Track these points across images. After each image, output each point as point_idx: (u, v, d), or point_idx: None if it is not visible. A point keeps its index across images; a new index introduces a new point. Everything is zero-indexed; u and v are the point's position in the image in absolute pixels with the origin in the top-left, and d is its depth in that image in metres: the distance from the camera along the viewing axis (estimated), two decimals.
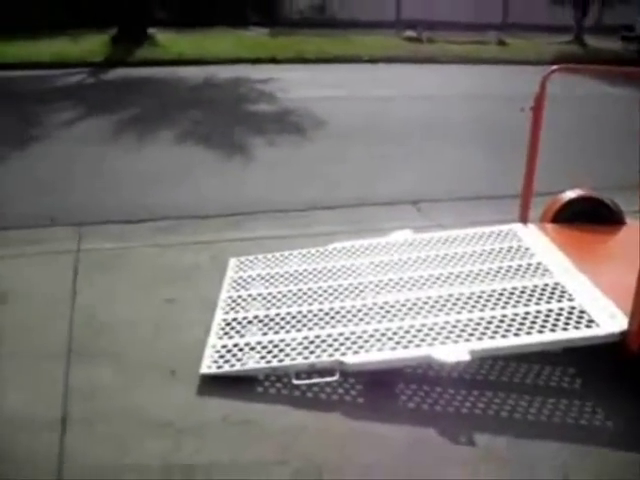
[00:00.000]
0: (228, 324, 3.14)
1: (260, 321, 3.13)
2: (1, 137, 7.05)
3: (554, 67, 3.67)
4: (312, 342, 2.91)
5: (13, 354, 2.99)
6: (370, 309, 3.14)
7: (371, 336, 2.91)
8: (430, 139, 7.36)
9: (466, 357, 2.73)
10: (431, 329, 2.92)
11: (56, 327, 3.19)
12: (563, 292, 3.13)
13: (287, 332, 3.01)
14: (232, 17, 18.26)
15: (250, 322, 3.13)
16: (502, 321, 2.93)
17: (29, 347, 3.05)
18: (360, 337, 2.91)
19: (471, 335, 2.85)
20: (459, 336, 2.85)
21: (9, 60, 11.89)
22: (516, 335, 2.83)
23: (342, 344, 2.87)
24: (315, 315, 3.13)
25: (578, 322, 2.89)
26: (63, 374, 2.85)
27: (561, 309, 2.99)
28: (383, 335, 2.91)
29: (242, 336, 3.03)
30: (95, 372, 2.86)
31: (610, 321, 2.86)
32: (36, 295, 3.50)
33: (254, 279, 3.57)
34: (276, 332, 3.02)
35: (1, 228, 4.44)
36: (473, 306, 3.08)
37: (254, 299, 3.35)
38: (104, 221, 4.66)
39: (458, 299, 3.16)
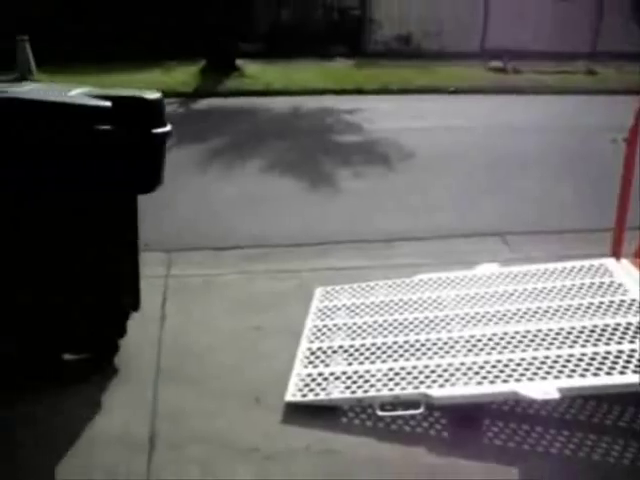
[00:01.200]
0: (313, 353, 3.17)
1: (345, 351, 3.14)
2: None
3: None
4: (397, 374, 2.90)
5: None
6: (456, 342, 3.11)
7: (457, 370, 2.88)
8: (517, 170, 7.25)
9: (555, 395, 2.66)
10: (518, 364, 2.86)
11: (145, 350, 3.29)
12: None
13: (372, 363, 3.01)
14: (317, 49, 18.55)
15: (335, 352, 3.15)
16: (593, 359, 2.84)
17: (119, 368, 3.15)
18: (446, 370, 2.88)
19: (560, 372, 2.78)
20: (547, 373, 2.79)
21: None
22: (608, 374, 2.74)
23: (427, 377, 2.85)
24: (400, 347, 3.12)
25: None
26: (152, 396, 2.93)
27: None
28: (469, 369, 2.87)
29: (327, 365, 3.05)
30: (182, 395, 2.93)
31: None
32: None
33: (339, 309, 3.59)
34: (361, 362, 3.03)
35: None
36: (562, 342, 3.01)
37: (339, 329, 3.37)
38: (194, 247, 4.78)
39: (547, 335, 3.09)
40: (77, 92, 3.02)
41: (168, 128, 3.00)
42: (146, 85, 12.92)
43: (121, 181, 2.91)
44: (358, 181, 6.93)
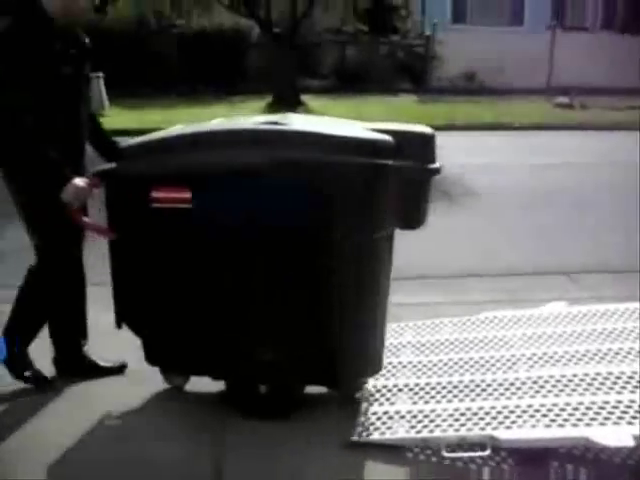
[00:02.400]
0: (378, 391, 3.16)
1: (410, 389, 3.12)
2: None
3: None
4: (463, 414, 2.86)
5: None
6: (523, 383, 3.06)
7: (524, 411, 2.83)
8: (585, 207, 7.14)
9: (630, 442, 2.57)
10: (589, 408, 2.79)
11: None
12: None
13: (438, 402, 2.98)
14: (382, 85, 18.70)
15: (400, 390, 3.13)
16: None
17: None
18: (513, 412, 2.83)
19: (634, 418, 2.70)
20: (620, 418, 2.71)
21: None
22: None
23: (494, 418, 2.80)
24: (466, 386, 3.08)
25: None
26: None
27: None
28: (537, 411, 2.82)
29: (392, 404, 3.03)
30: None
31: None
32: None
33: (405, 346, 3.58)
34: (426, 402, 3.00)
35: None
36: (635, 386, 2.93)
37: (404, 367, 3.35)
38: None
39: (618, 378, 3.01)
40: (352, 126, 3.10)
41: (438, 164, 3.04)
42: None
43: (400, 217, 2.97)
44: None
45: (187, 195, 2.82)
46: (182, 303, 2.99)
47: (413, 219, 3.05)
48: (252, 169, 2.76)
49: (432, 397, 3.03)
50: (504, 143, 11.71)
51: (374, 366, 3.12)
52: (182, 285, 2.97)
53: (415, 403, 3.00)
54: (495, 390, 3.02)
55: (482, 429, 2.74)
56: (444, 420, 2.83)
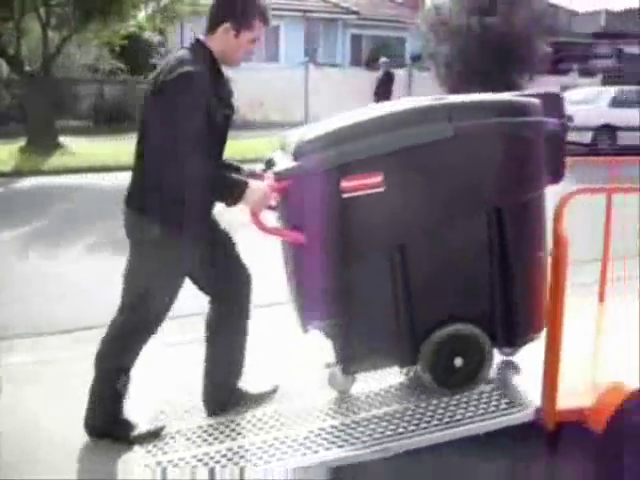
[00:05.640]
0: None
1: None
2: None
3: None
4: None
5: None
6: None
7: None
8: None
9: None
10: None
11: None
12: None
13: (210, 444, 2.97)
14: None
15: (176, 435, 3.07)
16: None
17: None
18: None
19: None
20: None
21: None
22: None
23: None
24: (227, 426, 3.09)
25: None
26: None
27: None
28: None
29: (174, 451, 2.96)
30: None
31: None
32: None
33: None
34: (199, 445, 2.97)
35: None
36: None
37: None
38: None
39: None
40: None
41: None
42: None
43: (549, 172, 3.18)
44: None
45: (378, 179, 2.88)
46: (378, 292, 3.03)
47: (557, 172, 3.22)
48: (433, 141, 2.93)
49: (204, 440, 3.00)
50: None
51: (540, 322, 3.17)
52: (379, 275, 3.01)
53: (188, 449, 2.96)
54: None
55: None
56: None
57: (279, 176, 2.93)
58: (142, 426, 3.13)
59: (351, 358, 3.16)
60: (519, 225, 3.14)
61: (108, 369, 3.11)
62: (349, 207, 2.92)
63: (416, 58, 23.45)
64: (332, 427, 3.00)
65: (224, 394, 3.28)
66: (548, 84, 19.67)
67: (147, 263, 3.04)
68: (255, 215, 2.89)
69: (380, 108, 3.28)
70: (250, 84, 20.55)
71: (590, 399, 2.99)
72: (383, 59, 17.59)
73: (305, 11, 24.69)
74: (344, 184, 2.89)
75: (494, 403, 3.08)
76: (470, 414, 3.01)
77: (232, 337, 3.25)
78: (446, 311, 3.13)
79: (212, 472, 2.78)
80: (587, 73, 27.28)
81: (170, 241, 2.96)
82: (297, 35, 24.68)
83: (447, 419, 2.99)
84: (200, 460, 2.86)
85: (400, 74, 20.22)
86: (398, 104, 3.25)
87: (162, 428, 3.13)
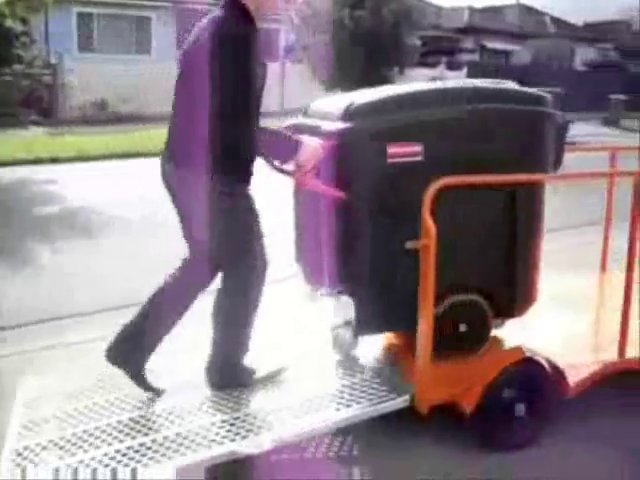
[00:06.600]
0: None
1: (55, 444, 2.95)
2: None
3: None
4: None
5: None
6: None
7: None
8: None
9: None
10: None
11: None
12: None
13: (85, 451, 2.86)
14: (8, 118, 17.59)
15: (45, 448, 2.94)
16: None
17: None
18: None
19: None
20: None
21: None
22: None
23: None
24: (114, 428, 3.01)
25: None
26: None
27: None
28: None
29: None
30: None
31: None
32: None
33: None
34: (73, 453, 2.86)
35: None
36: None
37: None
38: None
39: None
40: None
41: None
42: None
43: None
44: (60, 255, 6.66)
45: (419, 148, 3.11)
46: (401, 258, 3.16)
47: (558, 161, 3.53)
48: (459, 120, 3.23)
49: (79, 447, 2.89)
50: (142, 171, 11.71)
51: (534, 295, 3.55)
52: (403, 241, 3.09)
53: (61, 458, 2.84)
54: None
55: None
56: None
57: (329, 137, 3.09)
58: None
59: (365, 321, 3.27)
60: (528, 205, 3.41)
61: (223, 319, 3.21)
62: (391, 172, 3.12)
63: (289, 50, 23.52)
64: (211, 424, 2.96)
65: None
66: (417, 77, 20.29)
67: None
68: (304, 171, 3.09)
69: (430, 84, 3.65)
70: (120, 78, 20.07)
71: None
72: None
73: (176, 2, 24.20)
74: (390, 150, 3.08)
75: (371, 391, 3.14)
76: (347, 403, 3.06)
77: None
78: (456, 280, 3.31)
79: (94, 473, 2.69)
80: (454, 66, 28.32)
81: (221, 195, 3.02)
82: (169, 27, 24.15)
83: (322, 409, 3.03)
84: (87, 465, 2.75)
85: (273, 67, 20.21)
86: (449, 82, 3.71)
87: (282, 370, 3.33)
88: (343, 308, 3.28)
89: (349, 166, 3.14)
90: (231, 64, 2.89)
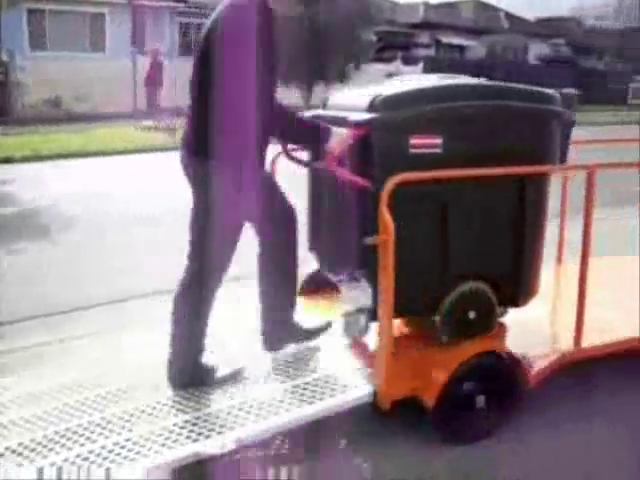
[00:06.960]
0: None
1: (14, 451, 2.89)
2: None
3: None
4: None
5: None
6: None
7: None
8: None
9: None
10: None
11: None
12: None
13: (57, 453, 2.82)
14: None
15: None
16: None
17: None
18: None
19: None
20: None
21: None
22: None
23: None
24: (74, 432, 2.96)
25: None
26: None
27: None
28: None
29: None
30: None
31: None
32: None
33: None
34: (32, 460, 2.81)
35: None
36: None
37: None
38: None
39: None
40: None
41: None
42: None
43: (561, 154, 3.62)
44: (17, 256, 6.55)
45: (439, 141, 3.24)
46: (418, 247, 3.28)
47: (563, 156, 3.65)
48: (480, 115, 3.36)
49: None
50: (97, 170, 11.58)
51: (537, 286, 3.68)
52: (421, 231, 3.28)
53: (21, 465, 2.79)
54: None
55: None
56: None
57: (357, 126, 3.17)
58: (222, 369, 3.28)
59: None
60: (536, 198, 3.52)
61: (183, 316, 3.22)
62: (413, 162, 3.19)
63: None
64: (174, 425, 2.94)
65: (282, 330, 3.44)
66: (373, 72, 20.39)
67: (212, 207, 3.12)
68: (332, 157, 3.17)
69: (451, 78, 3.74)
70: (75, 76, 19.77)
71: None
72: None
73: None
74: (413, 141, 3.19)
75: (333, 387, 3.14)
76: (309, 400, 3.06)
77: (280, 273, 3.37)
78: (467, 269, 3.42)
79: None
80: (409, 61, 28.50)
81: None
82: (123, 24, 23.82)
83: (284, 407, 3.03)
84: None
85: None
86: (468, 79, 3.75)
87: (242, 370, 3.30)
88: (358, 295, 3.34)
89: (375, 155, 3.22)
90: (268, 31, 3.02)
